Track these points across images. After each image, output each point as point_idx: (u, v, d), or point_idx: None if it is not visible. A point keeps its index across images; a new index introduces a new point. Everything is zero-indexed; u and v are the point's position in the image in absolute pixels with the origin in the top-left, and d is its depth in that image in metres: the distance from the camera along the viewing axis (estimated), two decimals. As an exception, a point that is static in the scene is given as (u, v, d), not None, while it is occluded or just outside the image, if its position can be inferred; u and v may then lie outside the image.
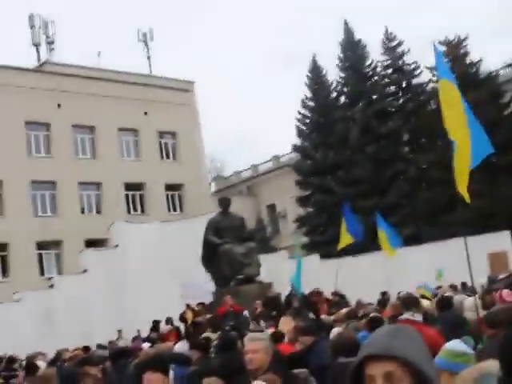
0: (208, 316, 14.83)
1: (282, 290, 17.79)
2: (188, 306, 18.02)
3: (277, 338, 7.74)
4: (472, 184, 7.59)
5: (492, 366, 3.13)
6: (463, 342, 4.37)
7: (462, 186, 7.46)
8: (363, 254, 25.07)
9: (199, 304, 17.63)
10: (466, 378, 3.48)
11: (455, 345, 4.12)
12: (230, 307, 14.55)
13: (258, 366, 4.71)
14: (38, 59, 39.64)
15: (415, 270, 21.56)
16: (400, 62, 36.87)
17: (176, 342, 11.09)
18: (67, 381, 7.02)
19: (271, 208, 50.62)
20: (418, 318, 7.05)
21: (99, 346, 15.25)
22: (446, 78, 7.86)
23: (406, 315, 6.98)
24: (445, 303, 9.24)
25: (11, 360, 12.72)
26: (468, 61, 32.36)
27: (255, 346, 4.81)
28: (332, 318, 10.54)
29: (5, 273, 31.79)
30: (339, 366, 5.26)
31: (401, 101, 37.22)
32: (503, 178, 28.36)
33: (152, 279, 23.06)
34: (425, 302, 10.04)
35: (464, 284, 15.55)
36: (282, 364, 5.61)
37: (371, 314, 8.82)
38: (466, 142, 7.38)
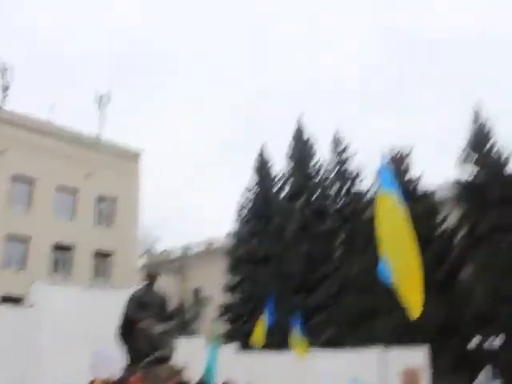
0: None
1: (195, 375, 17.37)
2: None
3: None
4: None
5: None
6: None
7: (416, 306, 6.88)
8: (279, 350, 24.74)
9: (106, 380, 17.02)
10: None
11: None
12: (138, 387, 14.11)
13: None
14: (-11, 104, 39.30)
15: (327, 374, 21.28)
16: (344, 166, 37.90)
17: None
18: None
19: (197, 291, 50.10)
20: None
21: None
22: (389, 191, 7.43)
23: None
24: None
25: None
26: (408, 176, 33.47)
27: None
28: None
29: None
30: None
31: (340, 203, 37.94)
32: (431, 293, 28.85)
33: (64, 346, 22.04)
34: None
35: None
36: None
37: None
38: (412, 257, 6.92)
